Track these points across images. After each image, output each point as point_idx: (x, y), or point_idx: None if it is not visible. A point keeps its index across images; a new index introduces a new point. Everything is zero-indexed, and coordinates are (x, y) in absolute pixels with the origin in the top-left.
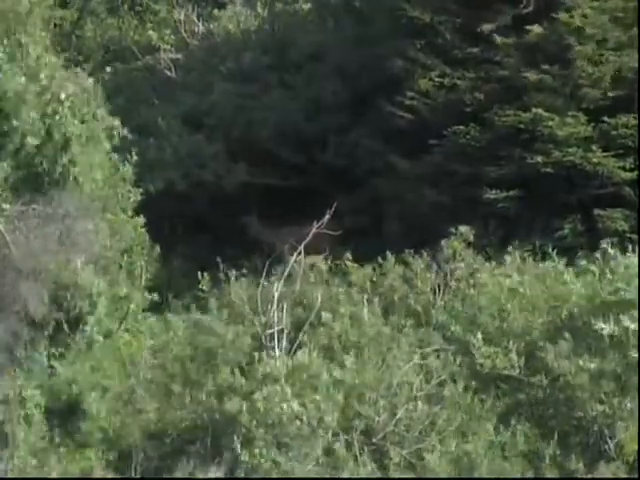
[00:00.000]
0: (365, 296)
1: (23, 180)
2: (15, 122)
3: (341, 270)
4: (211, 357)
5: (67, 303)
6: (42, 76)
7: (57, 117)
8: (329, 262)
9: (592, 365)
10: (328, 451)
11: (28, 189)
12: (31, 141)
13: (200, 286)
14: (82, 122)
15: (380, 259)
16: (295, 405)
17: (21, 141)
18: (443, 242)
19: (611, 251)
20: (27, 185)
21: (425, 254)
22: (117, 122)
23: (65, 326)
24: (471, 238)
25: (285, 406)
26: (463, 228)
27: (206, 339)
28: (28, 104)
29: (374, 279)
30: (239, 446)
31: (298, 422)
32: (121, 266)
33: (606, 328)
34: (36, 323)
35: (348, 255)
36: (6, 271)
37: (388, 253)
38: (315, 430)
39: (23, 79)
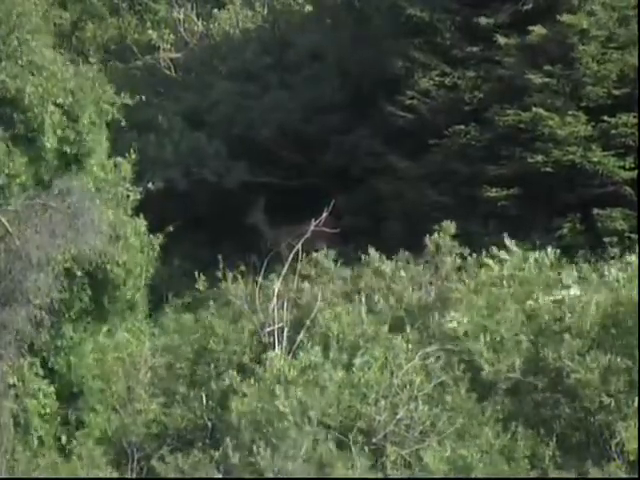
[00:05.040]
0: (361, 294)
1: (28, 174)
2: (28, 118)
3: (340, 268)
4: (211, 357)
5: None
6: (48, 72)
7: (67, 107)
8: (329, 259)
9: (600, 361)
10: (328, 451)
11: (32, 184)
12: (45, 137)
13: (197, 286)
14: (95, 105)
15: (378, 258)
16: (297, 405)
17: (32, 136)
18: (426, 239)
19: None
20: (33, 179)
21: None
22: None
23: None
24: (452, 231)
25: (287, 406)
26: (445, 223)
27: (206, 338)
28: (40, 101)
29: (370, 277)
30: (239, 446)
31: (299, 422)
32: (121, 264)
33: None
34: (54, 309)
35: (347, 253)
36: (15, 264)
37: (401, 251)
38: (316, 430)
39: (38, 78)
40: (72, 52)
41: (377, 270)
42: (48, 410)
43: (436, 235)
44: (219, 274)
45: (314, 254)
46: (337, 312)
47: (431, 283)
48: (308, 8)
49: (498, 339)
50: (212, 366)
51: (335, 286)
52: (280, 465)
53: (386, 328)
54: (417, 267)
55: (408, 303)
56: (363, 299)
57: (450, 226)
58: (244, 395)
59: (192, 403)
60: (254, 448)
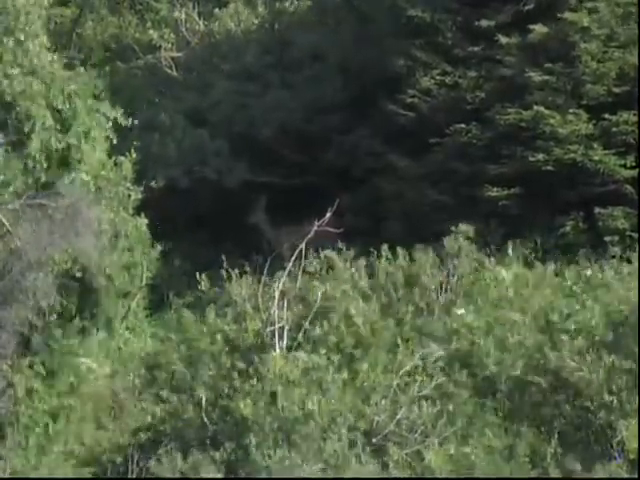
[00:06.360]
0: (367, 293)
1: (28, 175)
2: (26, 120)
3: (344, 267)
4: (212, 356)
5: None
6: (45, 73)
7: (64, 113)
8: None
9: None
10: (332, 451)
11: (33, 184)
12: (41, 137)
13: (200, 287)
14: (87, 115)
15: (384, 256)
16: (300, 405)
17: (29, 137)
18: (445, 239)
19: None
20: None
21: (430, 252)
22: (120, 112)
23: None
24: (471, 234)
25: (290, 406)
26: (464, 226)
27: (207, 337)
28: (37, 102)
29: (376, 276)
30: (241, 447)
31: (303, 422)
32: (122, 264)
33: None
34: (49, 312)
35: (350, 252)
36: (14, 263)
37: (398, 249)
38: (321, 430)
39: (34, 81)
40: (72, 50)
41: (385, 269)
42: (46, 409)
43: (454, 237)
44: (221, 273)
45: (319, 252)
46: (340, 311)
47: (442, 285)
48: (309, 7)
49: (501, 338)
50: (215, 366)
51: (340, 285)
52: (287, 465)
53: (390, 328)
54: (426, 267)
55: (416, 304)
56: (366, 297)
57: (469, 228)
58: (247, 395)
59: (192, 404)
60: (257, 448)
